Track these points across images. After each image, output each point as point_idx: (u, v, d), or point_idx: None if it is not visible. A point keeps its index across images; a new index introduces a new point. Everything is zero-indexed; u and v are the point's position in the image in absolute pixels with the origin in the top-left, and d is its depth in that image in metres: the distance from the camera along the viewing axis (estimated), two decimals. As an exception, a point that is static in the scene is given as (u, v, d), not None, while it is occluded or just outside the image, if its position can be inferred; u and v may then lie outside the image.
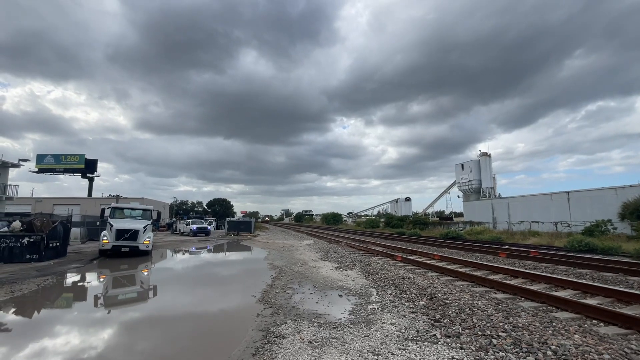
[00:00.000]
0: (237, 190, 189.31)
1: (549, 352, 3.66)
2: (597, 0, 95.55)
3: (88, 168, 50.76)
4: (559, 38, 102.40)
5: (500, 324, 4.58)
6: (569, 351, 3.65)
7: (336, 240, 21.25)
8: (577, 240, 14.71)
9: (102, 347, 4.39)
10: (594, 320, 4.84)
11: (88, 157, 50.53)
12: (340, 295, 7.00)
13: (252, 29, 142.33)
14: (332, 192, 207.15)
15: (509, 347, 3.86)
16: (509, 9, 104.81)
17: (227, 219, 39.81)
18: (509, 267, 9.20)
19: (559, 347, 3.76)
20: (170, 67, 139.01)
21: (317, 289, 7.63)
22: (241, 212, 79.60)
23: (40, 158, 48.75)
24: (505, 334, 4.22)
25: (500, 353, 3.72)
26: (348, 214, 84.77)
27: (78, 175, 51.26)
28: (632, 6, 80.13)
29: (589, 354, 3.56)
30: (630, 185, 21.72)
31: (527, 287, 6.72)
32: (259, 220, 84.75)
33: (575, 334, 4.19)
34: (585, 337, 4.09)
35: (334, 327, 4.83)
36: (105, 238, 13.82)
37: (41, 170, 49.06)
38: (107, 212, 15.22)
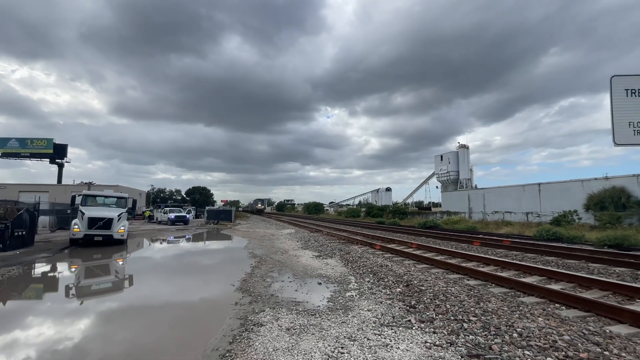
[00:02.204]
0: (218, 179, 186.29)
1: (515, 334, 3.86)
2: (573, 1, 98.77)
3: (57, 153, 48.14)
4: (537, 36, 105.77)
5: (472, 309, 4.78)
6: (532, 333, 3.87)
7: (317, 230, 21.39)
8: (546, 230, 15.52)
9: (78, 338, 4.23)
10: (557, 304, 5.14)
11: (57, 142, 47.88)
12: (320, 283, 7.08)
13: (236, 13, 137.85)
14: (314, 181, 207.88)
15: (478, 331, 4.05)
16: (491, 5, 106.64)
17: (207, 207, 39.11)
18: (482, 255, 9.59)
19: (524, 329, 3.98)
20: (149, 49, 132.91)
21: (297, 277, 7.68)
22: (222, 201, 78.27)
23: (3, 142, 45.76)
24: (475, 319, 4.42)
25: (470, 336, 3.90)
26: (330, 203, 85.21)
27: (46, 161, 48.60)
28: (604, 8, 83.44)
29: (551, 335, 3.79)
30: (595, 178, 23.05)
31: (498, 274, 7.04)
32: (240, 209, 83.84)
33: (539, 317, 4.45)
34: (548, 319, 4.35)
35: (312, 314, 4.88)
36: (76, 227, 13.25)
37: (4, 155, 46.17)
38: (79, 200, 14.57)
